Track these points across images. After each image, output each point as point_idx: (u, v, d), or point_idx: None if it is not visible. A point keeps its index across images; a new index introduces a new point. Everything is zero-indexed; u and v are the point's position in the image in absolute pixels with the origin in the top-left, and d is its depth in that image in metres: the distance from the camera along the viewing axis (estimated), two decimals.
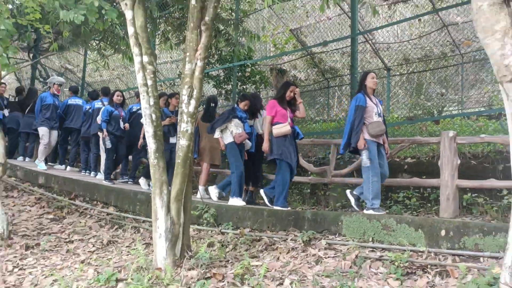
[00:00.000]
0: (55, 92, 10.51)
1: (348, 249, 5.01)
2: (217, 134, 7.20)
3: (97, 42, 12.06)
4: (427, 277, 4.30)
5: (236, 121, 7.19)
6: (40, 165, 10.01)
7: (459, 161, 6.02)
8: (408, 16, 12.56)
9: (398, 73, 15.19)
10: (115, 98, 8.99)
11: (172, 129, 8.04)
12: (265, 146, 6.68)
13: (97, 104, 9.83)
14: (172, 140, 7.95)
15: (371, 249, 4.98)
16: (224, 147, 7.22)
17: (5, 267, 5.49)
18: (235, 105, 7.60)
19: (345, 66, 14.93)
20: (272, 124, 6.67)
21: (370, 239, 5.18)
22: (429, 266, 4.46)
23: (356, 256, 4.77)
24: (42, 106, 10.32)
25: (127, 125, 8.96)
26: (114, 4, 9.68)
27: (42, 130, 10.24)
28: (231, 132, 7.15)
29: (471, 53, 13.40)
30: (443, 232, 4.76)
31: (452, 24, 12.79)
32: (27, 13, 6.05)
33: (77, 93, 11.29)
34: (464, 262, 4.42)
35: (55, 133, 10.48)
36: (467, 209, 6.21)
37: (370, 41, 13.65)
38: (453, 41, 13.19)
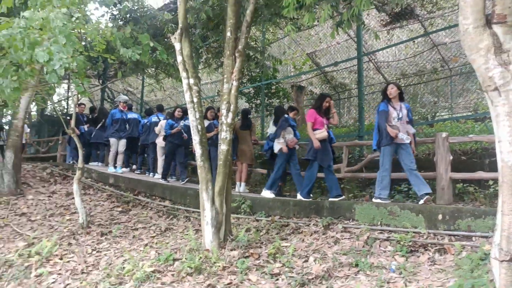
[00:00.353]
0: (122, 108, 10.56)
1: (360, 231, 4.96)
2: (281, 141, 6.90)
3: (153, 69, 12.21)
4: (428, 254, 4.22)
5: (289, 128, 7.00)
6: (110, 168, 10.13)
7: (451, 157, 5.88)
8: (404, 39, 12.36)
9: None
10: (176, 113, 9.01)
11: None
12: (316, 144, 6.35)
13: (154, 118, 10.10)
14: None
15: (379, 231, 4.92)
16: (287, 150, 6.91)
17: (85, 250, 5.59)
18: (286, 115, 7.24)
19: (352, 81, 14.78)
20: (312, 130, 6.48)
21: (379, 223, 5.11)
22: (429, 245, 4.38)
23: (368, 237, 4.72)
24: (112, 120, 10.40)
25: (185, 135, 8.71)
26: (165, 40, 9.83)
27: (112, 140, 10.31)
28: (285, 138, 6.92)
29: (458, 67, 13.11)
30: (440, 216, 4.66)
31: (441, 44, 12.53)
32: (95, 45, 6.13)
33: (131, 109, 11.50)
34: (459, 241, 4.32)
35: (122, 142, 10.45)
36: (459, 197, 6.07)
37: (373, 60, 13.48)
38: (442, 58, 12.93)
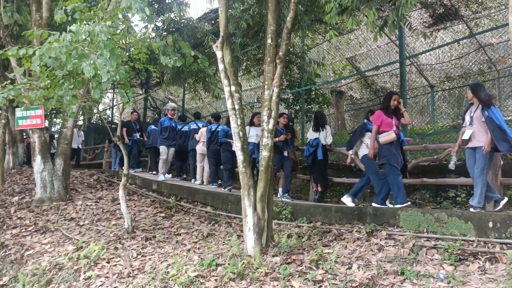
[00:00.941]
0: (170, 116, 10.46)
1: (405, 238, 4.83)
2: (351, 151, 6.76)
3: (192, 81, 12.40)
4: (478, 262, 4.06)
5: (368, 134, 6.62)
6: (160, 177, 10.04)
7: (502, 162, 5.65)
8: (448, 41, 12.03)
9: (440, 89, 14.53)
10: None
11: (285, 144, 7.75)
12: (370, 153, 6.21)
13: (193, 125, 10.32)
14: (285, 153, 7.73)
15: (426, 239, 4.78)
16: (352, 162, 6.78)
17: (131, 254, 5.74)
18: (365, 120, 6.96)
19: (394, 85, 14.50)
20: (379, 133, 6.08)
21: (425, 230, 4.96)
22: (479, 253, 4.21)
23: (413, 245, 4.59)
24: (161, 128, 10.35)
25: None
26: (205, 50, 10.01)
27: (162, 148, 10.25)
28: (366, 145, 6.61)
29: (506, 69, 12.60)
30: (490, 224, 4.47)
31: (488, 45, 12.10)
32: (138, 55, 6.29)
33: (185, 121, 11.41)
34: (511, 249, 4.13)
35: (172, 150, 10.43)
36: (511, 203, 5.81)
37: (415, 64, 13.18)
38: (489, 59, 12.47)
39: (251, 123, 8.30)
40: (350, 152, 6.80)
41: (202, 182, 9.72)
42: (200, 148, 9.64)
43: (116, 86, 6.25)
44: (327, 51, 15.18)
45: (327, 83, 14.49)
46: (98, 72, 4.85)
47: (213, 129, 9.16)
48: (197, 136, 9.77)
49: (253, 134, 7.91)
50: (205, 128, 9.55)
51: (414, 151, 8.05)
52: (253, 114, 8.54)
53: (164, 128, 10.33)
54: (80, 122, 15.14)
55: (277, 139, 7.18)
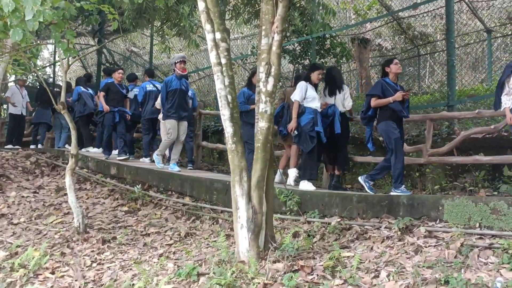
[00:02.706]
0: (181, 72, 9.31)
1: (451, 236, 4.88)
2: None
3: (160, 24, 12.26)
4: None
5: None
6: (160, 165, 9.33)
7: None
8: None
9: (500, 35, 14.47)
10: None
11: (402, 106, 6.85)
12: None
13: (149, 86, 10.57)
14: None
15: (478, 236, 4.82)
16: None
17: (83, 262, 5.78)
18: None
19: (437, 30, 14.43)
20: None
21: (477, 225, 5.01)
22: None
23: (461, 245, 4.64)
24: (167, 92, 9.27)
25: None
26: None
27: (170, 123, 9.19)
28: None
29: None
30: None
31: None
32: None
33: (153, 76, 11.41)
34: None
35: (184, 125, 9.45)
36: None
37: (466, 0, 13.07)
38: None
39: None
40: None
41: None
42: None
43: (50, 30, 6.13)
44: None
45: (347, 27, 14.39)
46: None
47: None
48: (157, 103, 9.94)
49: (312, 95, 7.55)
50: None
51: (463, 119, 8.05)
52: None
53: (171, 92, 9.28)
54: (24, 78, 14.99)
55: (391, 99, 6.70)
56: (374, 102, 6.75)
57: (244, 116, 8.04)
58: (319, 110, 7.48)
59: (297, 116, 7.33)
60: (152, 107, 10.21)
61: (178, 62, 9.32)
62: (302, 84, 7.48)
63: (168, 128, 9.26)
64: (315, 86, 7.74)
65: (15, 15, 4.95)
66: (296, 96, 7.40)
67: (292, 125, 7.29)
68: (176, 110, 9.23)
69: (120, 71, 11.01)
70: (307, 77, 7.75)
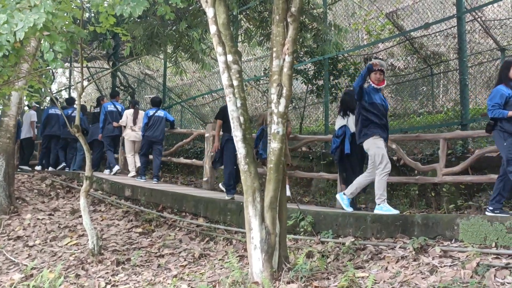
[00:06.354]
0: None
1: (467, 256, 4.85)
2: None
3: (173, 49, 12.37)
4: None
5: None
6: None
7: None
8: None
9: None
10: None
11: None
12: None
13: (110, 107, 11.86)
14: None
15: (494, 256, 4.79)
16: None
17: (97, 283, 5.81)
18: None
19: (450, 49, 14.42)
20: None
21: (493, 245, 4.97)
22: None
23: (478, 264, 4.60)
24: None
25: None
26: (190, 7, 9.97)
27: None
28: None
29: None
30: None
31: None
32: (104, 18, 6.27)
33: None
34: None
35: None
36: None
37: (479, 19, 13.08)
38: None
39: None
40: None
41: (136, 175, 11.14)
42: (130, 134, 11.27)
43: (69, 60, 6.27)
44: (358, 5, 15.10)
45: (360, 48, 14.44)
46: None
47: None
48: (122, 121, 11.37)
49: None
50: (142, 112, 11.37)
51: (477, 137, 8.02)
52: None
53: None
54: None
55: None
56: None
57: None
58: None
59: None
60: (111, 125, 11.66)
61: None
62: None
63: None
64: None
65: (2, 27, 4.96)
66: None
67: None
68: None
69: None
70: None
